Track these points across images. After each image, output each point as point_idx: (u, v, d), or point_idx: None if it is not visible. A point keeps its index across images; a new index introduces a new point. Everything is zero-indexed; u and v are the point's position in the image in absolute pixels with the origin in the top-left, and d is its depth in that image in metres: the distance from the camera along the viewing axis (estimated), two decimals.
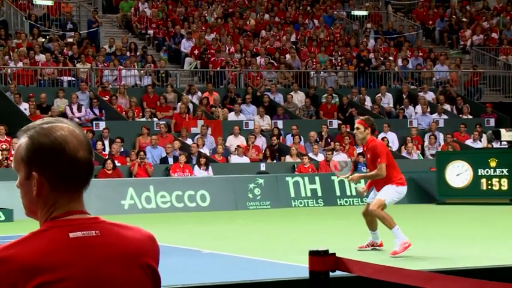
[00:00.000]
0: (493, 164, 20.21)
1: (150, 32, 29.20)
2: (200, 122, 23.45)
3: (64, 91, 23.94)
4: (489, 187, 20.20)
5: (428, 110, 26.43)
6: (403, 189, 11.17)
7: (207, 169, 20.83)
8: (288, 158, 22.40)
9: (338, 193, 20.75)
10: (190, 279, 8.32)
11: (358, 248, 11.38)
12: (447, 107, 27.13)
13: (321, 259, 3.62)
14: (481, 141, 24.44)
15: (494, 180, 20.19)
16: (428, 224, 16.01)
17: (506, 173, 20.04)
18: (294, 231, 14.88)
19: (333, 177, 20.97)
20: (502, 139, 20.93)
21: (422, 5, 34.61)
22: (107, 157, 20.62)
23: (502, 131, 21.06)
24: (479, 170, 20.30)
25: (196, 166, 20.90)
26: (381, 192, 10.97)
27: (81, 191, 2.30)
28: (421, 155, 24.16)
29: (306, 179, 20.62)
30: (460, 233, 14.14)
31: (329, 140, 23.91)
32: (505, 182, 20.04)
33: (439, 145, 24.35)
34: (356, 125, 11.16)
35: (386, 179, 10.95)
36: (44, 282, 2.14)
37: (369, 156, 11.07)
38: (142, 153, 20.84)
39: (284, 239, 13.47)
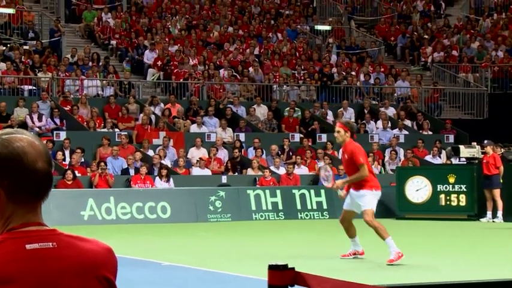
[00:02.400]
0: (451, 180, 20.44)
1: (113, 42, 29.09)
2: (162, 134, 23.40)
3: (24, 100, 23.74)
4: (448, 203, 20.43)
5: (389, 125, 26.65)
6: (379, 193, 11.61)
7: (168, 181, 20.78)
8: (250, 171, 22.43)
9: (299, 206, 20.82)
10: None
11: (341, 256, 11.75)
12: (408, 122, 27.38)
13: (279, 273, 3.63)
14: (440, 157, 24.70)
15: (453, 196, 20.42)
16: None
17: (465, 189, 20.28)
18: (254, 244, 14.89)
19: (294, 191, 21.06)
20: (461, 155, 21.18)
21: (385, 21, 34.95)
22: (67, 167, 20.48)
23: (461, 147, 21.32)
24: (438, 186, 20.52)
25: (157, 178, 20.83)
26: (365, 202, 11.37)
27: (39, 203, 2.29)
28: (382, 170, 24.34)
29: (267, 192, 20.67)
30: (418, 248, 14.26)
31: (291, 154, 23.99)
32: (463, 198, 20.27)
33: (400, 160, 24.56)
34: (336, 128, 11.59)
35: (363, 180, 11.37)
36: None
37: (346, 157, 11.47)
38: (103, 163, 20.73)
39: (244, 252, 13.47)
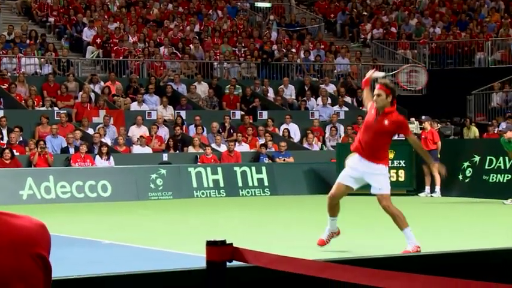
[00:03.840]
0: (390, 155, 20.68)
1: (51, 19, 28.66)
2: (102, 112, 23.19)
3: None
4: None
5: (330, 102, 26.83)
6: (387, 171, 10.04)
7: (108, 159, 20.63)
8: (191, 149, 22.39)
9: (240, 184, 20.88)
10: (88, 269, 8.24)
11: (318, 244, 10.22)
12: (348, 99, 27.60)
13: (218, 249, 3.66)
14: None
15: (392, 172, 20.66)
16: (324, 215, 16.26)
17: (404, 165, 20.56)
18: (194, 221, 14.91)
19: (235, 168, 21.08)
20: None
21: None
22: (4, 146, 20.17)
23: None
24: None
25: (97, 156, 20.67)
26: (382, 184, 9.74)
27: None
28: (323, 146, 24.52)
29: (209, 169, 20.67)
30: (355, 223, 14.44)
31: (232, 131, 24.01)
32: (402, 174, 20.55)
33: (340, 137, 24.76)
34: (377, 91, 9.66)
35: (382, 149, 9.76)
36: None
37: (386, 123, 9.63)
38: (42, 142, 20.47)
39: (184, 229, 13.49)
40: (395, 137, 22.36)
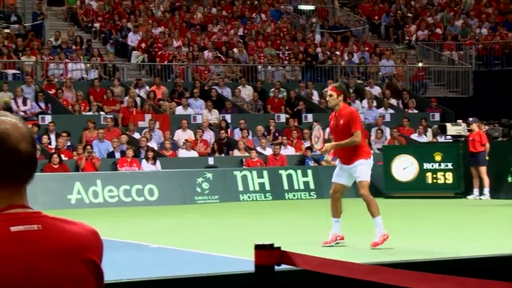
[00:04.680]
0: (438, 158, 20.51)
1: (97, 25, 28.95)
2: (148, 116, 23.35)
3: (8, 84, 23.62)
4: (434, 181, 20.50)
5: (375, 104, 26.68)
6: (371, 161, 11.01)
7: (154, 163, 20.76)
8: (236, 152, 22.43)
9: (286, 187, 20.86)
10: (136, 273, 8.29)
11: (323, 243, 10.90)
12: (393, 101, 27.42)
13: (266, 253, 3.65)
14: (426, 135, 24.76)
15: (440, 174, 20.50)
16: (371, 218, 16.16)
17: (451, 167, 20.35)
18: (241, 225, 14.92)
19: (280, 171, 21.07)
20: (448, 133, 21.25)
21: (368, 0, 34.91)
22: (53, 151, 20.42)
23: (448, 125, 21.39)
24: (425, 164, 20.58)
25: (144, 160, 20.81)
26: (360, 173, 10.72)
27: (23, 185, 2.28)
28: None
29: (254, 173, 20.68)
30: (406, 226, 14.33)
31: (277, 134, 24.00)
32: (449, 176, 20.35)
33: (386, 139, 24.61)
34: (329, 92, 11.08)
35: (356, 149, 10.69)
36: None
37: (341, 122, 10.73)
38: (89, 147, 20.68)
39: (231, 233, 13.50)
40: (443, 139, 22.26)
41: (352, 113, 10.88)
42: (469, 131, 20.46)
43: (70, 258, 2.27)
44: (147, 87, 25.39)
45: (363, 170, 10.74)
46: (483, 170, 19.65)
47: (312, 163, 22.06)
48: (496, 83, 28.87)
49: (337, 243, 10.97)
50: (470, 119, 20.77)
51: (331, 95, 10.93)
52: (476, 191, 19.93)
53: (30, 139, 2.28)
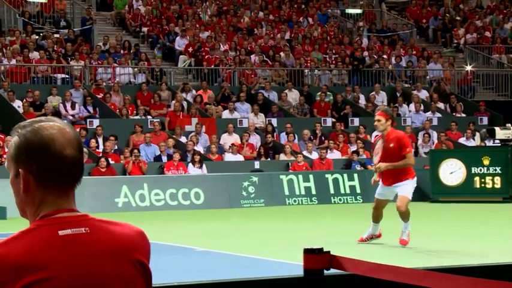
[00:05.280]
0: (486, 162, 20.26)
1: (144, 29, 29.17)
2: (194, 120, 23.44)
3: (57, 88, 23.90)
4: (482, 185, 20.25)
5: (422, 108, 26.47)
6: (415, 181, 11.64)
7: (201, 167, 20.83)
8: (282, 156, 22.41)
9: (332, 191, 20.77)
10: (183, 277, 8.31)
11: (358, 241, 11.71)
12: (441, 105, 27.18)
13: (315, 257, 3.62)
14: (474, 139, 24.49)
15: (488, 179, 20.23)
16: (422, 222, 16.03)
17: (500, 171, 20.09)
18: (288, 229, 14.89)
19: (326, 175, 20.98)
20: (496, 137, 20.99)
21: (416, 4, 34.65)
22: (100, 155, 20.60)
23: (497, 129, 21.12)
24: (473, 168, 20.34)
25: (190, 164, 20.89)
26: (405, 190, 11.32)
27: (70, 189, 2.29)
28: (416, 153, 24.19)
29: (300, 177, 20.63)
30: (454, 231, 14.17)
31: (323, 138, 23.92)
32: (498, 180, 20.08)
33: (433, 143, 24.39)
34: (377, 117, 11.31)
35: (404, 170, 11.28)
36: (33, 281, 2.14)
37: (391, 145, 11.20)
38: (136, 151, 20.82)
39: (278, 236, 13.47)
40: (491, 143, 21.99)
41: (403, 137, 11.46)
42: None
43: (119, 260, 2.27)
44: (194, 91, 25.49)
45: (407, 187, 11.32)
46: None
47: (358, 167, 21.94)
48: None
49: (372, 238, 11.82)
50: None
51: (379, 120, 11.20)
52: None
53: (77, 144, 2.29)
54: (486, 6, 34.61)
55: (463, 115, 26.72)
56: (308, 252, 3.65)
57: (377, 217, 11.69)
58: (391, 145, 11.16)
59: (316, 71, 28.39)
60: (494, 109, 27.24)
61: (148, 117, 23.80)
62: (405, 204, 11.21)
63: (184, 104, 24.54)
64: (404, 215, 11.28)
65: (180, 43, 28.17)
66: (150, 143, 21.83)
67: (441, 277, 3.36)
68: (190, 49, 27.70)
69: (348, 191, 20.88)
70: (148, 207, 19.12)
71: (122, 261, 2.28)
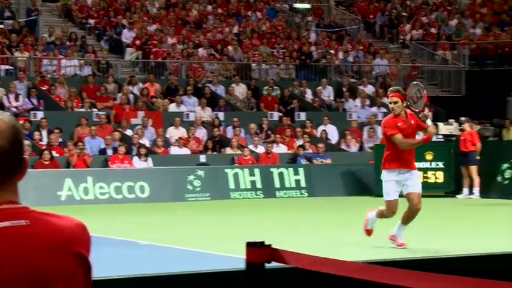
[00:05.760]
0: (429, 157, 20.53)
1: (91, 21, 28.89)
2: (141, 113, 23.32)
3: (1, 80, 23.55)
4: (425, 180, 20.50)
5: (368, 103, 26.70)
6: None
7: (146, 160, 20.74)
8: (229, 150, 22.42)
9: (277, 185, 20.86)
10: (126, 270, 8.28)
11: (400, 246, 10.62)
12: (386, 100, 27.41)
13: (257, 250, 3.66)
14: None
15: (430, 173, 20.52)
16: (364, 216, 16.18)
17: (442, 166, 20.39)
18: (233, 222, 14.93)
19: (272, 169, 21.06)
20: (439, 132, 21.27)
21: None
22: (44, 147, 20.37)
23: (440, 124, 21.41)
24: (416, 163, 20.54)
25: (135, 157, 20.78)
26: (419, 186, 10.58)
27: (7, 181, 2.27)
28: (360, 148, 24.40)
29: (246, 170, 20.69)
30: (394, 224, 14.32)
31: (269, 132, 24.00)
32: (440, 175, 20.38)
33: (378, 138, 24.62)
34: (394, 99, 10.40)
35: (413, 153, 10.58)
36: None
37: (412, 122, 10.45)
38: (81, 143, 20.64)
39: (223, 230, 13.50)
40: (434, 138, 22.27)
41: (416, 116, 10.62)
42: (460, 130, 20.50)
43: (60, 253, 2.26)
44: (141, 84, 25.35)
45: (419, 182, 10.63)
46: (474, 169, 19.70)
47: (303, 161, 22.07)
48: (488, 83, 28.92)
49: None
50: (462, 118, 20.82)
51: (396, 102, 10.36)
52: (466, 190, 19.98)
53: (8, 135, 2.25)
54: (432, 2, 35.03)
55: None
56: (250, 245, 3.68)
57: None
58: (412, 121, 10.41)
59: (263, 65, 28.44)
60: (438, 105, 27.60)
61: (94, 110, 23.60)
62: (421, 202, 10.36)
63: (131, 97, 24.39)
64: (413, 217, 10.44)
65: (127, 36, 27.97)
66: (95, 136, 21.65)
67: (380, 270, 3.42)
68: (137, 42, 27.52)
69: (293, 185, 20.99)
70: (93, 200, 18.99)
71: (62, 254, 2.26)
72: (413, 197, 10.40)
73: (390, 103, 10.52)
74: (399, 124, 10.35)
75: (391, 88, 10.90)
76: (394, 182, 10.41)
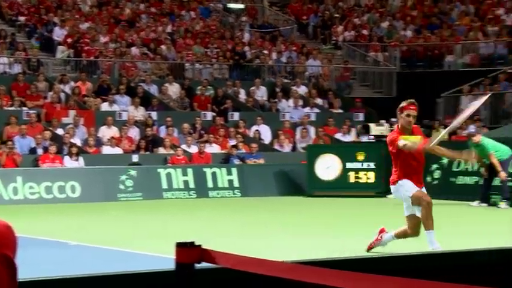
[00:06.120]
0: (360, 157, 20.79)
1: (21, 18, 28.43)
2: (72, 112, 23.05)
3: None
4: (357, 180, 20.78)
5: (301, 103, 26.88)
6: None
7: (78, 160, 20.51)
8: (162, 150, 22.32)
9: (210, 185, 20.86)
10: (54, 271, 8.18)
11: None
12: (319, 101, 27.67)
13: (187, 251, 3.65)
14: (350, 135, 25.07)
15: (362, 174, 20.78)
16: (296, 216, 16.32)
17: (373, 167, 20.66)
18: (165, 222, 14.87)
19: (205, 169, 21.04)
20: (371, 133, 21.57)
21: (297, 0, 35.15)
22: None
23: (372, 125, 21.71)
24: (348, 164, 20.84)
25: (67, 157, 20.54)
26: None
27: None
28: (293, 148, 24.54)
29: (179, 170, 20.63)
30: (326, 224, 14.47)
31: (203, 132, 23.97)
32: (371, 175, 20.65)
33: (310, 138, 24.82)
34: (414, 113, 9.62)
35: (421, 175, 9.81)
36: None
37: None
38: (10, 142, 20.30)
39: (153, 230, 13.44)
40: (366, 139, 22.56)
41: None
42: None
43: None
44: (72, 83, 25.05)
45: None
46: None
47: (236, 161, 22.11)
48: (418, 85, 29.39)
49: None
50: (393, 119, 21.08)
51: (415, 117, 9.69)
52: None
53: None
54: (364, 4, 35.45)
55: (340, 111, 27.29)
56: (180, 246, 3.67)
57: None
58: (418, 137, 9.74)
59: (197, 64, 28.39)
60: (370, 105, 27.94)
61: (24, 108, 23.23)
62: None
63: (62, 95, 24.09)
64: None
65: (58, 33, 27.62)
66: (25, 135, 21.32)
67: (308, 270, 3.45)
68: (69, 40, 27.20)
69: (226, 185, 21.01)
70: (22, 200, 18.70)
71: None
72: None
73: (408, 116, 9.56)
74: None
75: (410, 100, 9.75)
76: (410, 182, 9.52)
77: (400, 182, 9.51)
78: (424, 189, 9.54)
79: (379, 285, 3.06)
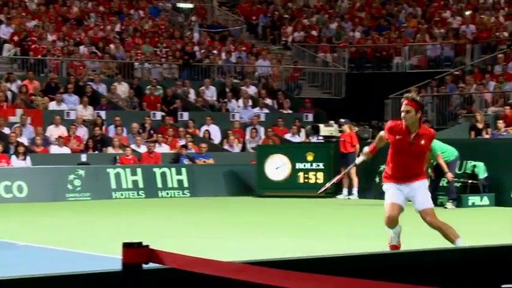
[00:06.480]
0: (310, 158, 20.90)
1: None
2: (19, 111, 22.78)
3: None
4: (306, 180, 20.88)
5: (250, 103, 26.93)
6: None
7: (25, 159, 20.28)
8: (110, 149, 22.18)
9: (160, 185, 20.79)
10: (2, 272, 8.09)
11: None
12: (268, 101, 27.75)
13: (134, 251, 3.65)
14: (299, 135, 25.19)
15: (311, 174, 20.89)
16: (246, 216, 16.35)
17: (322, 167, 20.78)
18: (112, 222, 14.78)
19: (154, 169, 20.95)
20: (320, 134, 21.67)
21: (247, 0, 35.19)
22: None
23: (321, 126, 21.81)
24: (297, 164, 20.94)
25: (13, 156, 20.29)
26: (426, 197, 8.88)
27: None
28: (243, 148, 24.58)
29: (128, 170, 20.52)
30: (276, 225, 14.52)
31: (152, 132, 23.87)
32: (320, 176, 20.76)
33: (260, 138, 24.88)
34: (407, 108, 8.64)
35: (420, 169, 8.98)
36: None
37: (422, 143, 8.71)
38: None
39: (101, 231, 13.35)
40: (315, 139, 22.69)
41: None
42: (340, 131, 20.93)
43: None
44: (19, 82, 24.76)
45: (427, 194, 8.91)
46: (352, 170, 20.13)
47: (186, 161, 22.06)
48: (367, 86, 29.66)
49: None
50: (342, 120, 21.25)
51: (408, 111, 8.64)
52: (345, 190, 20.43)
53: None
54: (313, 5, 35.63)
55: (290, 111, 27.41)
56: (127, 246, 3.66)
57: (444, 236, 8.87)
58: (422, 142, 8.71)
59: (146, 64, 28.27)
60: (319, 106, 28.10)
61: None
62: (433, 214, 8.89)
63: (9, 94, 23.79)
64: (443, 231, 8.87)
65: (4, 31, 27.26)
66: None
67: (256, 270, 3.47)
68: (16, 38, 26.86)
69: (175, 185, 20.96)
70: None
71: None
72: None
73: (402, 111, 8.75)
74: (398, 137, 8.75)
75: (405, 95, 9.03)
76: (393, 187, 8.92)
77: (383, 186, 9.03)
78: (415, 183, 8.81)
79: (323, 285, 3.09)
